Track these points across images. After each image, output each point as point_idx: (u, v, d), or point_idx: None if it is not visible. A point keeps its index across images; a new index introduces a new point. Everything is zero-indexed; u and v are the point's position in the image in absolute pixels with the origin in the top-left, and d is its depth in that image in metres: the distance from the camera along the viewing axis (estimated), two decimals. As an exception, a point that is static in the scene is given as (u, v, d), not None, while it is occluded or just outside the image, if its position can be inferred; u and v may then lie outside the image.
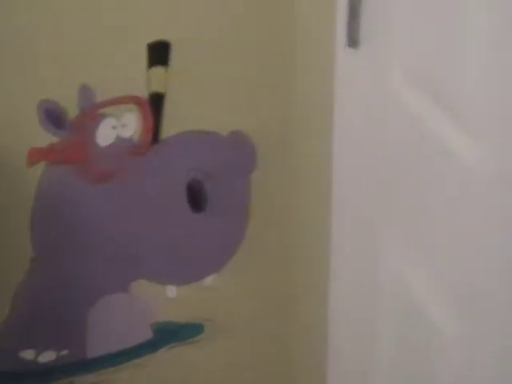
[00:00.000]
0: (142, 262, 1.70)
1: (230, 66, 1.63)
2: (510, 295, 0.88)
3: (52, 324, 1.70)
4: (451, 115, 0.98)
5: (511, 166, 0.85)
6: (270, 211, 1.73)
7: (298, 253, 1.71)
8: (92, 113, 1.60)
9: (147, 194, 1.67)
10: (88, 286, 1.69)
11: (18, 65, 1.53)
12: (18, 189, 1.61)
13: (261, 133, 1.67)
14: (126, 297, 1.72)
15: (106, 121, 1.61)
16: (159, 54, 1.61)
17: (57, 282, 1.67)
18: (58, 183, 1.63)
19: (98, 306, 1.70)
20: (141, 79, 1.61)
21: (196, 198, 1.69)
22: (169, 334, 1.77)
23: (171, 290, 1.75)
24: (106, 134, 1.62)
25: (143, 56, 1.59)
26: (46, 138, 1.58)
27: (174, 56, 1.60)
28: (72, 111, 1.58)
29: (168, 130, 1.65)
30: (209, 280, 1.74)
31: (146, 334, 1.76)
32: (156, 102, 1.64)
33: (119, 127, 1.62)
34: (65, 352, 1.71)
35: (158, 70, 1.62)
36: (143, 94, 1.61)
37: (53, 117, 1.58)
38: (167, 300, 1.74)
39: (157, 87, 1.63)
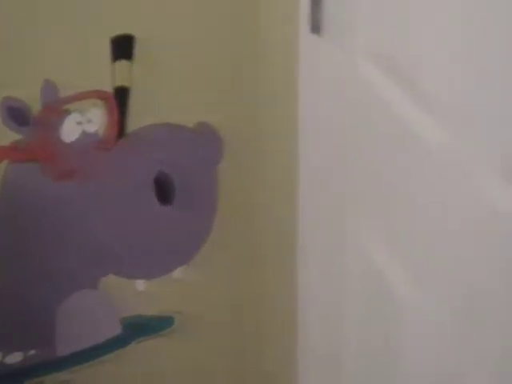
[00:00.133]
0: (111, 256, 1.72)
1: (194, 58, 1.66)
2: (469, 271, 0.93)
3: (18, 324, 1.70)
4: (414, 97, 1.03)
5: (472, 147, 0.90)
6: (237, 202, 1.76)
7: (266, 242, 1.74)
8: (56, 109, 1.61)
9: (114, 188, 1.68)
10: (56, 283, 1.70)
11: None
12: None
13: (227, 123, 1.70)
14: (95, 293, 1.73)
15: (70, 116, 1.62)
16: (123, 47, 1.63)
17: (23, 280, 1.68)
18: (22, 181, 1.63)
19: (66, 303, 1.71)
20: (105, 73, 1.63)
21: (163, 190, 1.71)
22: (138, 328, 1.79)
23: (140, 284, 1.76)
24: (70, 129, 1.63)
25: (107, 50, 1.61)
26: (8, 135, 1.58)
27: (139, 49, 1.62)
28: (35, 108, 1.59)
29: (134, 123, 1.66)
30: (178, 272, 1.76)
31: (116, 329, 1.77)
32: (121, 96, 1.66)
33: (84, 122, 1.64)
34: (33, 352, 1.72)
35: (123, 64, 1.63)
36: (108, 88, 1.63)
37: (15, 114, 1.59)
38: (136, 294, 1.76)
39: (122, 81, 1.64)
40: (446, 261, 0.99)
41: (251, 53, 1.65)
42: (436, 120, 0.97)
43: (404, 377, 1.13)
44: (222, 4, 1.63)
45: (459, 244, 0.95)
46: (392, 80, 1.06)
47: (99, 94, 1.63)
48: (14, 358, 1.72)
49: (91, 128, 1.65)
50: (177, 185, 1.70)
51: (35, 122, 1.60)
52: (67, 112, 1.62)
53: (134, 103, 1.65)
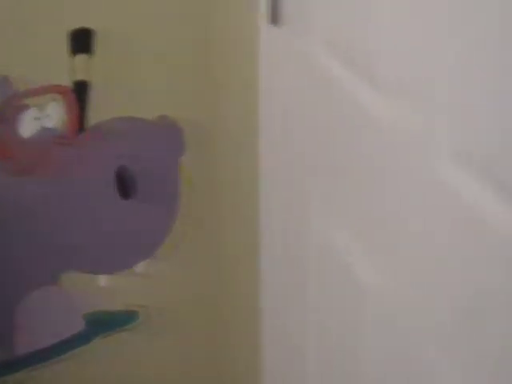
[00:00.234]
0: (72, 252, 1.72)
1: (153, 50, 1.68)
2: (430, 251, 0.97)
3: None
4: (371, 84, 1.06)
5: (420, 126, 0.94)
6: (200, 195, 1.78)
7: (229, 234, 1.76)
8: (13, 104, 1.61)
9: (74, 183, 1.69)
10: (14, 280, 1.69)
11: None
12: None
13: (188, 116, 1.72)
14: (56, 289, 1.74)
15: (28, 112, 1.63)
16: (82, 41, 1.64)
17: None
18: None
19: (26, 300, 1.71)
20: (64, 68, 1.63)
21: (125, 184, 1.72)
22: (102, 324, 1.80)
23: (103, 279, 1.78)
24: (28, 125, 1.63)
25: (65, 44, 1.61)
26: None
27: (98, 43, 1.64)
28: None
29: (94, 117, 1.68)
30: (141, 267, 1.78)
31: (78, 326, 1.78)
32: (80, 91, 1.66)
33: (43, 117, 1.64)
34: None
35: (82, 58, 1.64)
36: (67, 82, 1.64)
37: (-29, 110, 1.59)
38: (99, 289, 1.77)
39: (81, 75, 1.65)
40: (406, 245, 1.03)
41: (211, 45, 1.68)
42: (392, 105, 1.01)
43: (366, 362, 1.17)
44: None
45: (415, 225, 0.99)
46: (350, 68, 1.10)
47: (58, 89, 1.64)
48: (-27, 358, 1.72)
49: (50, 123, 1.66)
50: (138, 178, 1.71)
51: (-8, 118, 1.60)
52: (25, 107, 1.63)
53: (94, 97, 1.66)
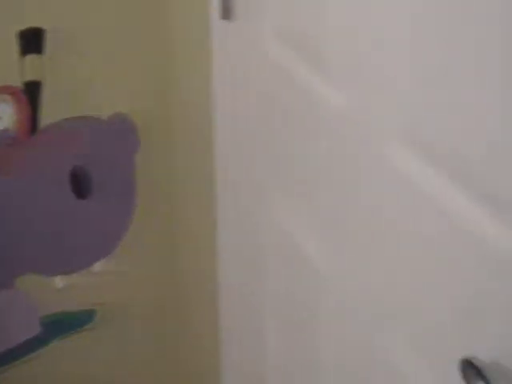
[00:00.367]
0: (27, 255, 1.72)
1: (106, 49, 1.69)
2: (380, 238, 1.02)
3: None
4: (318, 69, 1.12)
5: (370, 112, 0.99)
6: (156, 192, 1.81)
7: (186, 230, 1.79)
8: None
9: (29, 184, 1.70)
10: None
11: None
12: None
13: (142, 113, 1.74)
14: (12, 293, 1.74)
15: (-23, 114, 1.63)
16: (32, 41, 1.65)
17: None
18: None
19: (-19, 306, 1.71)
20: (13, 68, 1.64)
21: (80, 184, 1.73)
22: (59, 325, 1.81)
23: (59, 280, 1.79)
24: (-21, 127, 1.64)
25: (14, 44, 1.62)
26: None
27: (49, 43, 1.65)
28: None
29: (47, 118, 1.69)
30: (98, 266, 1.79)
31: (35, 329, 1.78)
32: (32, 91, 1.67)
33: (-7, 119, 1.65)
34: None
35: (33, 58, 1.65)
36: (17, 83, 1.65)
37: None
38: (56, 291, 1.78)
39: (32, 75, 1.66)
40: (360, 231, 1.08)
41: (163, 42, 1.71)
42: (342, 92, 1.06)
43: (325, 345, 1.22)
44: None
45: (367, 211, 1.04)
46: (301, 58, 1.15)
47: (7, 90, 1.65)
48: None
49: (1, 125, 1.66)
50: (94, 177, 1.73)
51: None
52: (-25, 110, 1.63)
53: (47, 97, 1.68)
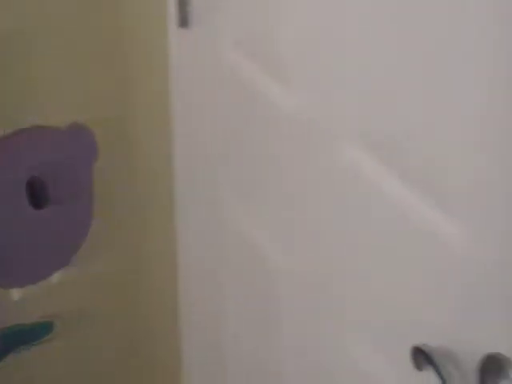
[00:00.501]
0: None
1: (63, 58, 1.71)
2: (339, 234, 1.08)
3: None
4: (274, 75, 1.18)
5: (328, 115, 1.05)
6: (114, 201, 1.83)
7: (146, 236, 1.82)
8: None
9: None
10: None
11: None
12: None
13: (100, 122, 1.76)
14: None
15: None
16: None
17: None
18: None
19: None
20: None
21: (37, 195, 1.75)
22: (17, 338, 1.82)
23: (16, 292, 1.80)
24: None
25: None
26: None
27: (1, 49, 1.65)
28: None
29: (2, 128, 1.70)
30: (56, 276, 1.81)
31: (-8, 343, 1.79)
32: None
33: None
34: None
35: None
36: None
37: None
38: (13, 303, 1.79)
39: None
40: (315, 229, 1.13)
41: (121, 50, 1.74)
42: (296, 95, 1.12)
43: (280, 338, 1.27)
44: (88, 2, 1.69)
45: (322, 208, 1.10)
46: (259, 64, 1.21)
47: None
48: None
49: None
50: (51, 187, 1.74)
51: None
52: None
53: (1, 107, 1.69)
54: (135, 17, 1.63)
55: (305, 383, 1.22)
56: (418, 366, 0.88)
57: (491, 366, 0.80)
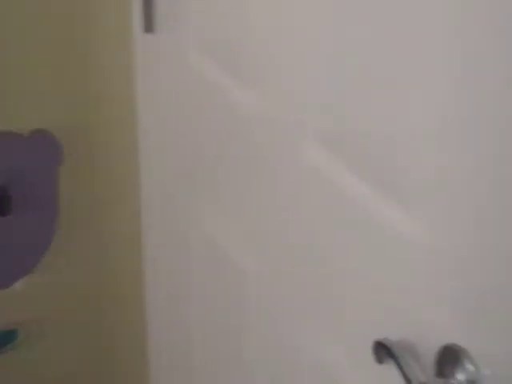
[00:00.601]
0: None
1: (26, 65, 1.73)
2: (303, 234, 1.12)
3: None
4: (238, 77, 1.22)
5: (290, 116, 1.09)
6: (78, 207, 1.85)
7: (112, 241, 1.84)
8: None
9: None
10: None
11: None
12: None
13: (63, 128, 1.78)
14: None
15: None
16: None
17: None
18: None
19: None
20: None
21: (0, 202, 1.77)
22: (-21, 348, 1.83)
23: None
24: None
25: None
26: None
27: None
28: None
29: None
30: (19, 284, 1.82)
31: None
32: None
33: None
34: None
35: None
36: None
37: None
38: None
39: None
40: (281, 230, 1.17)
41: (86, 56, 1.76)
42: (263, 98, 1.16)
43: (248, 342, 1.30)
44: (51, 8, 1.71)
45: (285, 208, 1.14)
46: (224, 68, 1.25)
47: None
48: None
49: None
50: (14, 195, 1.76)
51: None
52: None
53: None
54: (100, 22, 1.66)
55: (268, 381, 1.26)
56: (380, 360, 0.92)
57: (448, 356, 0.84)
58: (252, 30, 1.15)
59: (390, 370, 0.91)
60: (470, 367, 0.81)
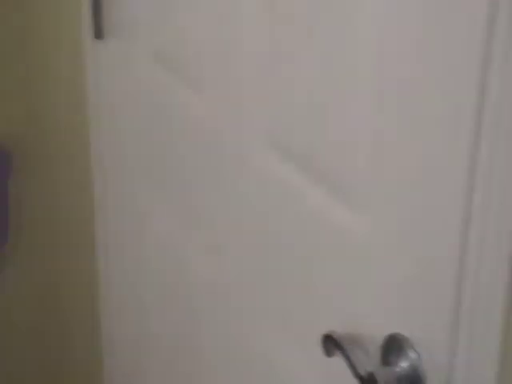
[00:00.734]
0: None
1: None
2: (249, 236, 1.16)
3: None
4: (189, 84, 1.26)
5: (238, 121, 1.14)
6: (31, 213, 1.88)
7: (64, 249, 1.87)
8: None
9: None
10: None
11: None
12: None
13: (14, 139, 1.80)
14: None
15: None
16: None
17: None
18: None
19: None
20: None
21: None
22: None
23: None
24: None
25: None
26: None
27: None
28: None
29: None
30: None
31: None
32: None
33: None
34: None
35: None
36: None
37: None
38: None
39: None
40: (230, 229, 1.21)
41: (35, 63, 1.78)
42: (211, 104, 1.20)
43: (204, 339, 1.35)
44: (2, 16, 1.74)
45: (236, 210, 1.18)
46: (173, 74, 1.29)
47: None
48: None
49: None
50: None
51: None
52: None
53: None
54: (50, 29, 1.69)
55: (220, 379, 1.31)
56: (328, 353, 0.96)
57: (392, 346, 0.89)
58: (200, 38, 1.20)
59: (338, 362, 0.95)
60: (412, 354, 0.87)
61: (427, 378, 0.85)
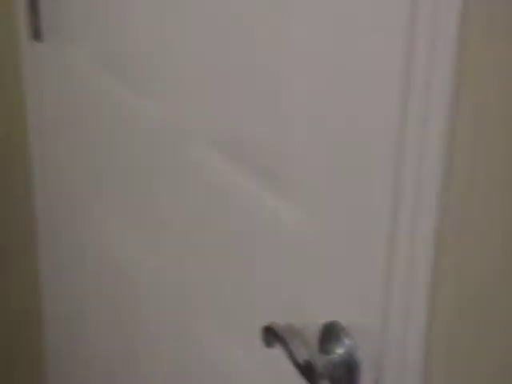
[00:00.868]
0: None
1: None
2: (189, 233, 1.20)
3: None
4: (128, 84, 1.29)
5: (179, 119, 1.17)
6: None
7: (5, 250, 1.88)
8: None
9: None
10: None
11: None
12: None
13: None
14: None
15: None
16: None
17: None
18: None
19: None
20: None
21: None
22: None
23: None
24: None
25: None
26: None
27: None
28: None
29: None
30: None
31: None
32: None
33: None
34: None
35: None
36: None
37: None
38: None
39: None
40: (171, 225, 1.25)
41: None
42: (152, 101, 1.24)
43: (144, 338, 1.38)
44: None
45: (173, 207, 1.22)
46: (112, 74, 1.32)
47: None
48: None
49: None
50: None
51: None
52: None
53: None
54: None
55: (160, 379, 1.34)
56: (268, 344, 1.01)
57: (329, 334, 0.93)
58: (137, 38, 1.23)
59: (278, 353, 0.99)
60: (348, 342, 0.91)
61: (362, 364, 0.90)
